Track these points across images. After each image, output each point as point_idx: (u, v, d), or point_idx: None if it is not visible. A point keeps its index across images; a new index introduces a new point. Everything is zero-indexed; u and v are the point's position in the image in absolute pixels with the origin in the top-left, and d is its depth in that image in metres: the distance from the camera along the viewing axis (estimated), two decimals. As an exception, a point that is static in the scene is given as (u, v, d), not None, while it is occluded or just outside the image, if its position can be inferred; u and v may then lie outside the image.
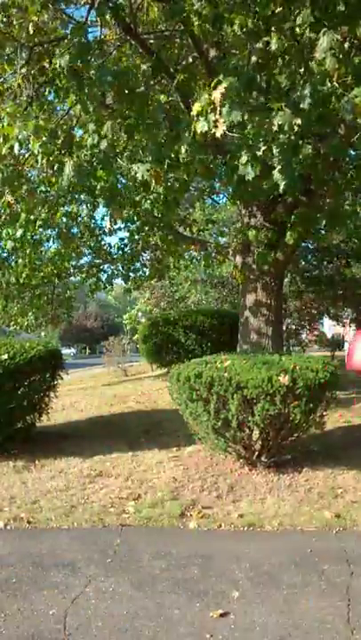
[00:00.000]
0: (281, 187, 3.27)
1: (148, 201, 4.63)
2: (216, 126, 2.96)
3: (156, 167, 3.79)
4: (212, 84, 3.02)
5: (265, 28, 3.57)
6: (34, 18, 3.39)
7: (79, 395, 10.60)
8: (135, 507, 3.97)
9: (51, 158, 4.20)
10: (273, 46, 3.33)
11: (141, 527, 3.65)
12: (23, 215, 5.00)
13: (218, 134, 3.00)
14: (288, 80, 3.45)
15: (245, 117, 3.05)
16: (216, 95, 2.93)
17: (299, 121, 2.88)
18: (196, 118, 3.07)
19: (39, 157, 4.09)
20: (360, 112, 2.92)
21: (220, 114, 2.94)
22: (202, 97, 3.05)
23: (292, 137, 3.08)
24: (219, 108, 2.94)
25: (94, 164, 4.19)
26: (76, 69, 3.42)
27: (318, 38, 2.90)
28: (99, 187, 4.55)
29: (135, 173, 3.70)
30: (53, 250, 6.71)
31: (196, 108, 3.06)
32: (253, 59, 3.59)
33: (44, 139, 3.93)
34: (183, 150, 3.65)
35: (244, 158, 3.19)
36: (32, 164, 4.47)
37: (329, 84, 2.98)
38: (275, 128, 2.95)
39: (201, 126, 3.01)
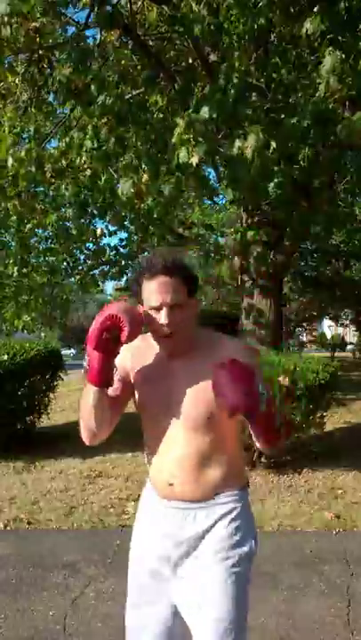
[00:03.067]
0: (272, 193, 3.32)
1: (146, 206, 4.65)
2: (193, 155, 3.01)
3: (145, 180, 3.82)
4: (184, 115, 3.08)
5: (264, 34, 3.58)
6: (34, 24, 3.40)
7: (79, 395, 10.60)
8: (135, 507, 3.95)
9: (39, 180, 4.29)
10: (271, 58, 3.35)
11: (141, 528, 3.65)
12: (14, 217, 5.01)
13: (194, 163, 3.06)
14: (287, 86, 3.47)
15: (212, 150, 3.11)
16: (180, 128, 2.99)
17: (274, 144, 2.91)
18: (180, 145, 3.11)
19: (22, 184, 4.18)
20: (360, 137, 2.95)
21: (193, 144, 2.99)
22: (176, 129, 3.09)
23: (267, 161, 3.12)
24: (191, 140, 2.99)
25: (91, 177, 4.24)
26: (74, 84, 3.46)
27: (323, 50, 2.90)
28: (96, 197, 4.59)
29: (123, 189, 3.74)
30: (45, 247, 6.70)
31: (175, 137, 3.10)
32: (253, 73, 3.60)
33: (28, 167, 4.03)
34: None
35: (225, 181, 3.25)
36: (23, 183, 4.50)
37: (332, 104, 3.01)
38: (248, 152, 2.96)
39: (183, 156, 3.06)
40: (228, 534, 1.42)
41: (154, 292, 1.37)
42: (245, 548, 1.43)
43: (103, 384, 1.39)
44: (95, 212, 5.60)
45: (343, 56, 2.80)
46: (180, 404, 1.41)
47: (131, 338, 1.32)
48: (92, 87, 3.54)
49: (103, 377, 1.37)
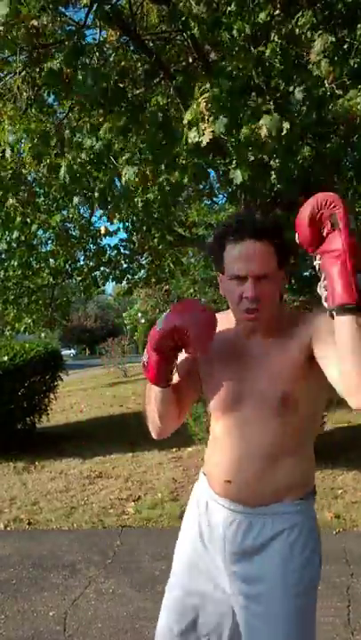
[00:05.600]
0: (277, 186, 3.27)
1: (146, 202, 4.63)
2: (204, 134, 2.95)
3: (149, 168, 3.79)
4: (200, 92, 3.02)
5: (264, 31, 3.57)
6: (33, 22, 3.39)
7: (79, 396, 10.61)
8: (135, 508, 3.97)
9: (43, 162, 4.23)
10: (268, 52, 3.31)
11: (141, 528, 3.65)
12: (18, 219, 5.01)
13: (204, 142, 2.99)
14: (283, 80, 3.45)
15: (233, 124, 3.05)
16: (202, 104, 2.92)
17: (288, 125, 2.86)
18: (188, 127, 3.07)
19: (28, 159, 4.13)
20: (355, 114, 2.92)
21: (207, 122, 2.93)
22: (193, 106, 3.04)
23: (283, 142, 3.06)
24: (206, 117, 2.93)
25: (92, 162, 4.20)
26: (64, 74, 3.42)
27: (314, 39, 2.89)
28: (96, 188, 4.56)
29: (126, 175, 3.71)
30: (48, 249, 6.71)
31: (187, 116, 3.06)
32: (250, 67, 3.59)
33: (35, 141, 3.97)
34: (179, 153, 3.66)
35: (233, 163, 3.19)
36: (31, 167, 4.48)
37: (326, 86, 2.98)
38: (263, 133, 2.92)
39: (193, 136, 3.00)
40: (288, 554, 1.22)
41: (240, 259, 1.16)
42: (310, 573, 1.24)
43: (160, 383, 1.26)
44: (95, 200, 5.55)
45: (334, 39, 2.77)
46: (253, 387, 1.22)
47: (196, 352, 1.20)
48: (83, 75, 3.48)
49: (161, 377, 1.25)
